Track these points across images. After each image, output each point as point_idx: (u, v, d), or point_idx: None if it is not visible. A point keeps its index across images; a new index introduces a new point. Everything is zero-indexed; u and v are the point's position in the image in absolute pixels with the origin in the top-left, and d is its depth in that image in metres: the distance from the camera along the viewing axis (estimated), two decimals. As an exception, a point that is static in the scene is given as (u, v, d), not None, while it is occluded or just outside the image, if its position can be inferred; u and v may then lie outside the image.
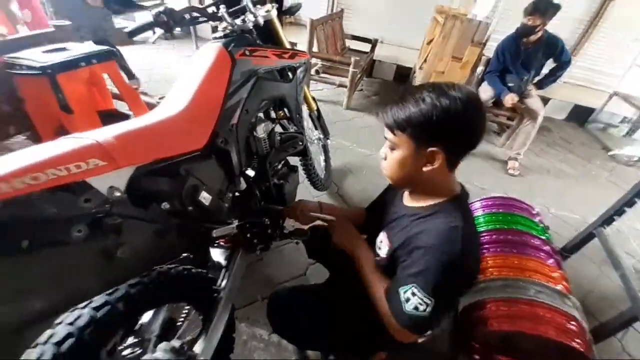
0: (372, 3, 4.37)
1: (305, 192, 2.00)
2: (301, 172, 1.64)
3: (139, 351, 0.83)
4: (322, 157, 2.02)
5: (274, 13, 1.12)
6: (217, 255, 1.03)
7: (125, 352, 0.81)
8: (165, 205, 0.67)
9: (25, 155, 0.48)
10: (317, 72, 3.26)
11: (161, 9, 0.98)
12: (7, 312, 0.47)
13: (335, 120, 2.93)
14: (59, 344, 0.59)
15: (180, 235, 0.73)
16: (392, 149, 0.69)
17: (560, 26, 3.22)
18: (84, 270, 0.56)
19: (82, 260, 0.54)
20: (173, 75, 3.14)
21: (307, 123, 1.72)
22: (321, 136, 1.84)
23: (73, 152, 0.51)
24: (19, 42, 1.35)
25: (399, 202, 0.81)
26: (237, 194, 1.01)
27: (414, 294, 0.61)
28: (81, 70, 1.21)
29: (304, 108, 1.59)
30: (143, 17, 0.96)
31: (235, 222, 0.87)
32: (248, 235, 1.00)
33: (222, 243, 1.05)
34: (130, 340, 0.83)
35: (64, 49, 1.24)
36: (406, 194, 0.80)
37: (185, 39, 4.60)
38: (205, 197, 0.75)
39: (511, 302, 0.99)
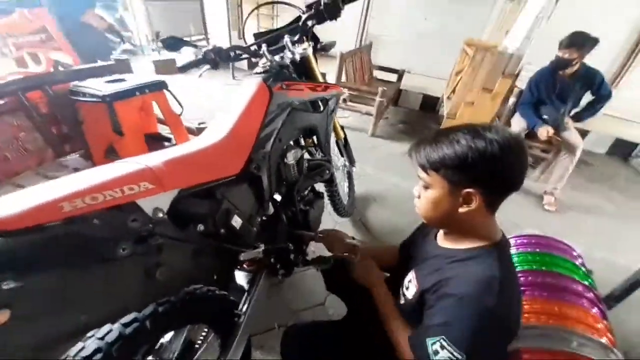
0: (401, 35, 4.52)
1: (328, 218, 2.01)
2: (325, 198, 1.66)
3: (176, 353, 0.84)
4: (346, 184, 2.03)
5: (310, 51, 1.20)
6: (240, 278, 1.05)
7: (167, 354, 0.83)
8: (200, 227, 0.71)
9: (85, 177, 0.54)
10: (345, 100, 3.37)
11: (210, 47, 1.09)
12: (56, 323, 0.51)
13: (360, 147, 2.96)
14: (87, 358, 0.62)
15: (212, 257, 0.76)
16: (426, 187, 0.67)
17: (599, 56, 3.14)
18: (126, 287, 0.59)
19: (126, 277, 0.58)
20: (212, 102, 3.38)
21: (334, 150, 1.77)
22: (347, 163, 1.87)
23: (128, 175, 0.57)
24: (83, 72, 1.54)
25: (432, 242, 0.79)
26: (264, 218, 1.04)
27: (442, 347, 0.57)
28: (135, 99, 1.35)
29: (332, 136, 1.64)
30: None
31: (262, 247, 0.89)
32: (272, 260, 1.01)
33: (245, 266, 1.07)
34: (151, 358, 0.85)
35: (123, 80, 1.39)
36: (441, 233, 0.77)
37: (223, 70, 4.98)
38: (236, 221, 0.79)
39: (550, 354, 0.91)
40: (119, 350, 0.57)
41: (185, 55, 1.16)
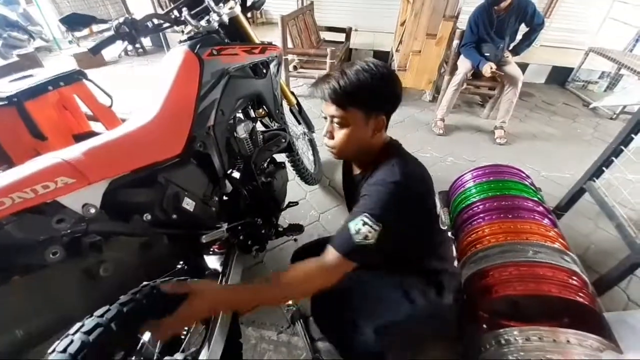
0: (341, -9, 4.34)
1: (297, 188, 1.99)
2: (290, 169, 1.63)
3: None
4: (310, 152, 2.00)
5: (237, 9, 1.09)
6: (213, 262, 1.01)
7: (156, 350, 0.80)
8: (147, 216, 0.65)
9: None
10: (295, 68, 3.23)
11: (121, 20, 0.95)
12: None
13: (319, 114, 2.92)
14: (87, 332, 0.56)
15: (169, 245, 0.71)
16: (342, 125, 0.72)
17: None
18: (66, 292, 0.54)
19: (63, 283, 0.52)
20: (148, 90, 3.09)
21: (289, 119, 1.70)
22: (306, 130, 1.83)
23: (39, 172, 0.49)
24: (-19, 76, 1.31)
25: (354, 177, 0.88)
26: (224, 197, 1.00)
27: (364, 223, 0.65)
28: (50, 95, 1.17)
29: (284, 104, 1.57)
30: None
31: (225, 226, 0.86)
32: (241, 237, 0.98)
33: (216, 250, 1.03)
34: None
35: (30, 76, 1.20)
36: (354, 166, 0.88)
37: (158, 53, 4.53)
38: (188, 203, 0.74)
39: (511, 267, 1.00)
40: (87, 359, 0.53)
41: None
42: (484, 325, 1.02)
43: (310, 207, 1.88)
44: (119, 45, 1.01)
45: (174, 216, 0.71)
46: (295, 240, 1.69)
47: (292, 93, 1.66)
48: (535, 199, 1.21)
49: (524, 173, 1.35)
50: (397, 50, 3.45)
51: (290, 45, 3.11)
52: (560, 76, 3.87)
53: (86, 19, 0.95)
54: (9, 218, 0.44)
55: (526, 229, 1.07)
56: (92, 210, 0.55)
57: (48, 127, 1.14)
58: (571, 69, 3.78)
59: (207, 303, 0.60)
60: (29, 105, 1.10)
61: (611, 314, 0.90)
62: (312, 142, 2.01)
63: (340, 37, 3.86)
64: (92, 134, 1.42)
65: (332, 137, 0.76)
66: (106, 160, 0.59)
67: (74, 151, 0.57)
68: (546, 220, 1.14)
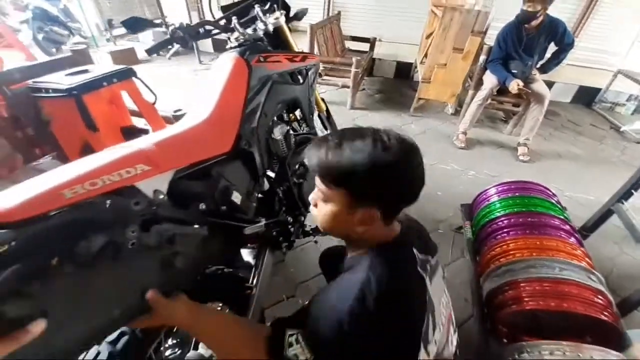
0: (367, 2, 4.42)
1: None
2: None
3: (179, 352, 0.87)
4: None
5: (282, 20, 1.16)
6: (246, 255, 1.07)
7: (167, 353, 0.86)
8: (202, 205, 0.71)
9: (81, 165, 0.53)
10: (320, 74, 3.30)
11: (177, 25, 1.04)
12: (91, 320, 0.52)
13: (341, 121, 2.97)
14: (113, 342, 0.65)
15: (219, 237, 0.77)
16: (325, 200, 0.60)
17: (559, 8, 3.22)
18: (149, 276, 0.60)
19: (142, 264, 0.59)
20: (182, 89, 3.23)
21: (317, 123, 1.76)
22: (331, 136, 1.88)
23: (123, 159, 0.56)
24: (40, 67, 1.43)
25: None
26: (260, 195, 1.05)
27: (297, 341, 0.55)
28: (104, 90, 1.27)
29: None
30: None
31: (264, 221, 0.91)
32: (274, 233, 1.03)
33: (249, 244, 1.09)
34: (171, 341, 0.88)
35: (86, 71, 1.30)
36: None
37: (186, 55, 4.71)
38: (236, 197, 0.80)
39: (535, 282, 1.01)
40: (141, 334, 0.60)
41: (144, 42, 1.09)
42: (504, 340, 1.03)
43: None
44: (172, 48, 1.10)
45: (224, 207, 0.77)
46: (316, 242, 1.74)
47: (323, 100, 1.72)
48: (562, 217, 1.22)
49: (550, 191, 1.36)
50: (421, 62, 3.49)
51: (316, 53, 3.20)
52: (586, 96, 3.81)
53: (145, 23, 1.04)
54: (99, 197, 0.51)
55: (552, 246, 1.08)
56: (161, 196, 0.61)
57: (100, 120, 1.24)
58: (598, 90, 3.72)
59: (165, 319, 0.61)
60: (86, 98, 1.20)
61: (633, 331, 0.90)
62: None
63: (364, 46, 3.93)
64: (135, 129, 1.52)
65: (315, 206, 0.64)
66: (173, 152, 0.66)
67: (146, 142, 0.64)
68: (572, 239, 1.14)
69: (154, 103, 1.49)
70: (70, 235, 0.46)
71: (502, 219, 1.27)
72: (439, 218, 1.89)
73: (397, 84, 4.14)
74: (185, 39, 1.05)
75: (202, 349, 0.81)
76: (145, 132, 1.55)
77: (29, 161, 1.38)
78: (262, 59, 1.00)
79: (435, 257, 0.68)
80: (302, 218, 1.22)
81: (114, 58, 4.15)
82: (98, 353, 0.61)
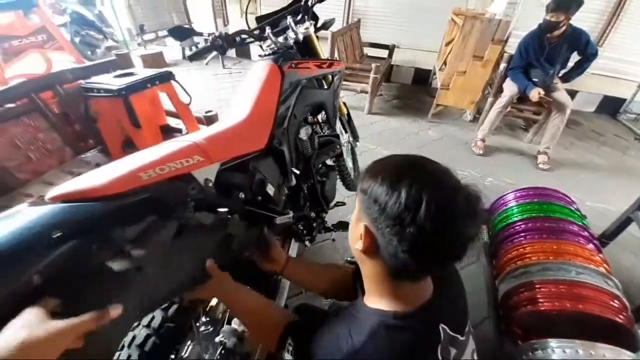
0: (386, 10, 4.50)
1: (336, 193, 2.10)
2: (335, 173, 1.75)
3: (211, 329, 0.96)
4: (349, 159, 2.12)
5: (312, 29, 1.25)
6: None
7: (201, 328, 0.94)
8: (241, 195, 0.80)
9: (150, 153, 0.62)
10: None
11: (217, 33, 1.14)
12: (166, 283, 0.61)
13: (358, 125, 3.03)
14: (165, 309, 0.73)
15: (254, 222, 0.86)
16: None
17: (583, 18, 3.19)
18: (202, 250, 0.70)
19: (199, 241, 0.68)
20: (208, 92, 3.39)
21: (338, 126, 1.84)
22: (351, 139, 1.95)
23: (183, 150, 0.65)
24: (89, 69, 1.57)
25: None
26: (287, 191, 1.13)
27: (290, 353, 0.58)
28: (148, 91, 1.39)
29: (336, 113, 1.71)
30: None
31: (292, 213, 0.98)
32: (299, 226, 1.11)
33: (276, 236, 1.17)
34: (204, 318, 0.96)
35: (131, 74, 1.43)
36: None
37: (211, 61, 4.90)
38: (270, 189, 0.88)
39: (551, 284, 1.03)
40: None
41: (170, 48, 1.20)
42: (519, 341, 1.06)
43: (348, 210, 1.98)
44: (211, 54, 1.22)
45: (260, 197, 0.85)
46: (334, 240, 1.80)
47: (344, 104, 1.79)
48: (581, 223, 1.23)
49: (569, 198, 1.37)
50: (440, 69, 3.52)
51: (336, 59, 3.29)
52: (611, 106, 3.73)
53: (188, 32, 1.15)
54: (165, 181, 0.59)
55: (570, 251, 1.10)
56: (210, 185, 0.69)
57: (143, 118, 1.36)
58: (623, 100, 3.63)
59: (214, 291, 0.71)
60: (132, 98, 1.32)
61: None
62: (353, 150, 2.12)
63: (382, 52, 4.00)
64: (171, 128, 1.64)
65: None
66: (220, 146, 0.75)
67: (198, 137, 0.73)
68: (591, 245, 1.16)
69: (188, 104, 1.61)
70: (147, 211, 0.55)
71: (520, 223, 1.29)
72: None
73: (415, 91, 4.17)
74: (224, 46, 1.15)
75: (235, 324, 0.88)
76: (179, 131, 1.67)
77: (77, 154, 1.52)
78: (293, 65, 1.09)
79: (467, 327, 0.57)
80: (324, 214, 1.30)
81: (144, 61, 4.38)
82: (153, 318, 0.70)
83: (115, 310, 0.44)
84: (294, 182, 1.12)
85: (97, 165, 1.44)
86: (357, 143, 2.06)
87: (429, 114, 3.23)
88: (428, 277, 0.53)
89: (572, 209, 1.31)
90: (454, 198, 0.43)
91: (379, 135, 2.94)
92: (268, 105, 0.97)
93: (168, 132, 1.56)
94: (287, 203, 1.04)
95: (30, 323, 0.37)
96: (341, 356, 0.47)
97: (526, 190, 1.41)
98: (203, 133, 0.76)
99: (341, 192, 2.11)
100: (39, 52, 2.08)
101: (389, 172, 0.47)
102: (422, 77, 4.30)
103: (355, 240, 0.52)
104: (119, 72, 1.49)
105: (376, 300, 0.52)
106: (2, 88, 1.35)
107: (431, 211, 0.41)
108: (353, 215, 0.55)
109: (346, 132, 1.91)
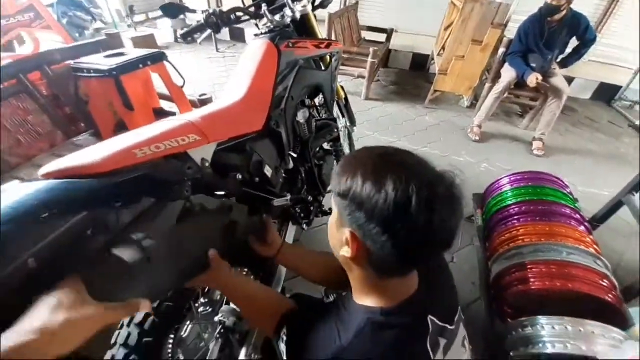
0: (385, -8, 4.38)
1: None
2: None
3: (210, 309, 0.97)
4: (346, 143, 2.11)
5: (309, 7, 1.21)
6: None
7: (200, 309, 0.95)
8: (239, 176, 0.79)
9: (145, 131, 0.61)
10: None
11: (210, 10, 1.10)
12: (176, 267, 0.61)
13: (355, 110, 3.00)
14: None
15: (251, 203, 0.85)
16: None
17: (582, 2, 3.15)
18: (201, 237, 0.69)
19: (196, 225, 0.67)
20: (201, 75, 3.31)
21: (335, 110, 1.82)
22: (348, 124, 1.93)
23: (178, 128, 0.63)
24: (78, 49, 1.52)
25: None
26: (284, 173, 1.13)
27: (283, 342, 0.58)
28: (140, 71, 1.35)
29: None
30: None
31: (289, 196, 0.98)
32: (297, 209, 1.11)
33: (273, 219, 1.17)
34: (203, 299, 0.97)
35: (122, 54, 1.39)
36: None
37: (204, 42, 4.77)
38: (268, 170, 0.87)
39: (542, 264, 1.06)
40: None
41: (162, 30, 1.16)
42: (509, 320, 1.09)
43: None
44: (204, 32, 1.17)
45: (257, 179, 0.84)
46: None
47: (342, 87, 1.77)
48: (573, 206, 1.25)
49: (562, 181, 1.39)
50: (438, 54, 3.47)
51: (333, 41, 3.22)
52: (607, 93, 3.74)
53: (180, 8, 1.11)
54: (160, 160, 0.58)
55: (561, 232, 1.12)
56: (207, 164, 0.69)
57: (135, 99, 1.32)
58: (619, 87, 3.64)
59: (213, 281, 0.71)
60: (123, 78, 1.28)
61: (635, 309, 0.95)
62: (350, 135, 2.11)
63: (380, 36, 3.92)
64: (163, 110, 1.61)
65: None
66: (217, 126, 0.73)
67: (194, 115, 0.71)
68: (582, 227, 1.18)
69: (182, 86, 1.57)
70: (143, 189, 0.54)
71: (513, 206, 1.31)
72: (450, 207, 1.93)
73: (412, 76, 4.13)
74: (218, 24, 1.11)
75: (233, 304, 0.89)
76: (173, 114, 1.64)
77: (68, 137, 1.49)
78: (290, 45, 1.06)
79: (456, 316, 0.57)
80: (321, 198, 1.30)
81: (134, 43, 4.23)
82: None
83: (146, 306, 0.45)
84: (291, 164, 1.11)
85: (90, 148, 1.41)
86: (354, 128, 2.05)
87: (426, 99, 3.21)
88: (414, 270, 0.53)
89: (565, 192, 1.33)
90: (436, 187, 0.42)
91: (375, 121, 2.92)
92: (265, 85, 0.95)
93: (161, 115, 1.53)
94: (284, 186, 1.04)
95: (70, 303, 0.37)
96: (328, 354, 0.47)
97: (520, 174, 1.43)
98: (199, 112, 0.75)
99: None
100: (26, 31, 1.99)
101: (368, 171, 0.44)
102: (420, 62, 4.24)
103: (338, 246, 0.50)
104: (109, 52, 1.44)
105: (363, 298, 0.52)
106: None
107: (421, 205, 0.40)
108: (331, 219, 0.53)
109: (343, 116, 1.90)
